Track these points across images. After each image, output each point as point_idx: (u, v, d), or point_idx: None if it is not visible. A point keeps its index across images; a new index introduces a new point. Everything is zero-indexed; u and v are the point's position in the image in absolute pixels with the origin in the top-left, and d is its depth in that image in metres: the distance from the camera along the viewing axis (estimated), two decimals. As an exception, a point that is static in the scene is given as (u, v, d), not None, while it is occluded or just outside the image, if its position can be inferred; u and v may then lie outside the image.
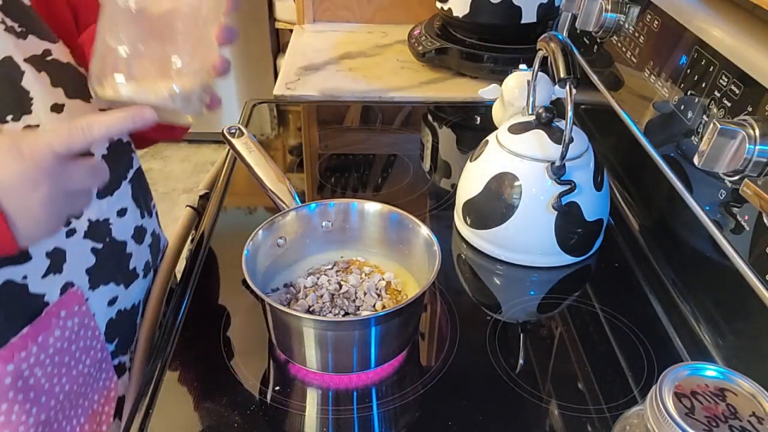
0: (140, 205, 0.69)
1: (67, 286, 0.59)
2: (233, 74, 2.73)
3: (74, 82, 0.59)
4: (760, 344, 0.61)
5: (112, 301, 0.65)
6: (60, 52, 0.59)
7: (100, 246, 0.62)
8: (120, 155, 0.65)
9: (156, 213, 0.75)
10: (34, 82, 0.55)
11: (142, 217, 0.69)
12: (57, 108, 0.56)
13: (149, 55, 0.50)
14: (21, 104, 0.54)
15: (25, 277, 0.55)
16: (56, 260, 0.57)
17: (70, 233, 0.59)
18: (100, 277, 0.63)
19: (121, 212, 0.65)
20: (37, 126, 0.54)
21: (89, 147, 0.48)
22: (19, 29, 0.56)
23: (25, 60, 0.55)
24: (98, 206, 0.62)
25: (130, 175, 0.67)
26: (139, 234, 0.68)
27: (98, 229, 0.62)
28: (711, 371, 0.41)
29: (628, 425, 0.44)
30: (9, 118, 0.53)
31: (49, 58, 0.57)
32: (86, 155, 0.49)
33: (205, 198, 0.94)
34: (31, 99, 0.55)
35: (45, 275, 0.56)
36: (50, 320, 0.57)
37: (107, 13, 0.50)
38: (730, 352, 0.65)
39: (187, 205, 0.94)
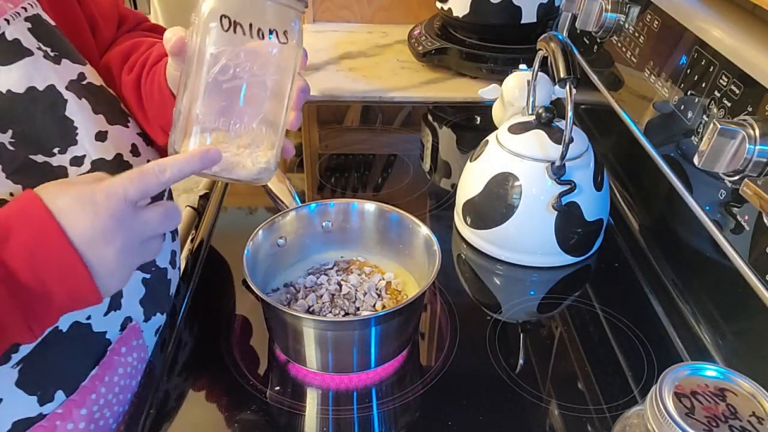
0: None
1: (126, 322, 0.58)
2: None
3: (111, 107, 0.57)
4: (760, 344, 0.61)
5: (158, 330, 0.65)
6: (92, 75, 0.57)
7: (148, 276, 0.61)
8: None
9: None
10: (77, 110, 0.53)
11: (173, 240, 0.68)
12: (101, 136, 0.55)
13: (235, 128, 0.49)
14: (66, 135, 0.52)
15: (88, 317, 0.54)
16: (116, 296, 0.57)
17: None
18: (151, 308, 0.62)
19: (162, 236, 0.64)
20: (83, 156, 0.53)
21: (163, 190, 0.47)
22: (52, 54, 0.53)
23: (66, 87, 0.53)
24: None
25: (166, 197, 0.65)
26: (173, 258, 0.67)
27: None
28: (711, 371, 0.41)
29: (628, 425, 0.44)
30: (56, 150, 0.51)
31: (84, 82, 0.55)
32: (157, 198, 0.47)
33: (205, 198, 0.94)
34: (76, 128, 0.53)
35: (107, 313, 0.56)
36: (113, 358, 0.57)
37: (191, 84, 0.48)
38: (730, 352, 0.65)
39: (187, 205, 0.94)
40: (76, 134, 0.53)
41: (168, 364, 0.64)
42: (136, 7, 2.60)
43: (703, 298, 0.70)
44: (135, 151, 0.58)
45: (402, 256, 0.72)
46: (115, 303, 0.57)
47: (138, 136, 0.59)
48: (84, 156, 0.53)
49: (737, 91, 0.61)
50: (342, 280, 0.68)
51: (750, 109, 0.58)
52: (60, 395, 0.53)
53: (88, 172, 0.52)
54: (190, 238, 0.90)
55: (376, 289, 0.67)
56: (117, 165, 0.55)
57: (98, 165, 0.53)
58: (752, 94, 0.59)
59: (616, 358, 0.66)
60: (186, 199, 0.93)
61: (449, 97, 1.19)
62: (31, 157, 0.50)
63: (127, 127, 0.58)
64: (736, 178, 0.56)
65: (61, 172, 0.51)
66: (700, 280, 0.72)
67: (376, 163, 1.02)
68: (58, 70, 0.53)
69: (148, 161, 0.58)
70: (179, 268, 0.71)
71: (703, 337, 0.68)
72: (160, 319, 0.65)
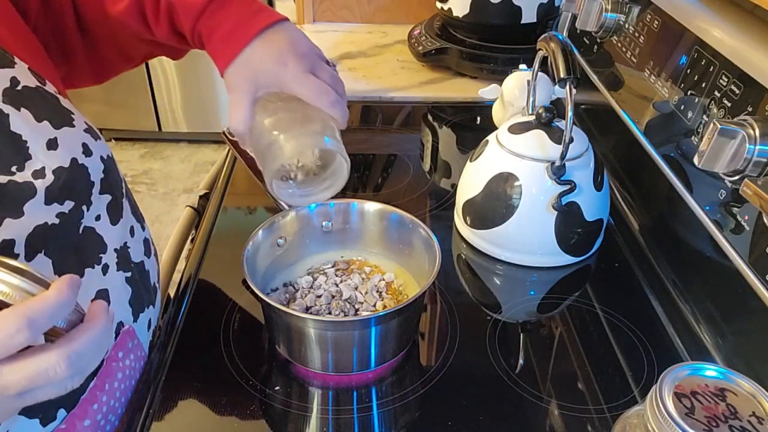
0: (138, 217, 0.66)
1: (119, 327, 0.58)
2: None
3: (52, 109, 0.54)
4: (760, 344, 0.61)
5: (149, 325, 0.65)
6: (24, 75, 0.53)
7: (129, 274, 0.60)
8: (114, 176, 0.60)
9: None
10: (21, 123, 0.50)
11: (143, 229, 0.67)
12: (52, 144, 0.52)
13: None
14: (19, 151, 0.50)
15: None
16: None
17: (105, 269, 0.57)
18: (138, 305, 0.62)
19: (132, 231, 0.63)
20: (43, 168, 0.50)
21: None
22: None
23: (2, 100, 0.50)
24: (115, 233, 0.59)
25: (124, 190, 0.63)
26: (147, 248, 0.66)
27: (124, 257, 0.60)
28: (711, 371, 0.41)
29: (628, 425, 0.44)
30: (14, 168, 0.49)
31: (19, 87, 0.52)
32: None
33: (205, 198, 0.94)
34: (26, 142, 0.50)
35: None
36: (111, 365, 0.57)
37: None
38: (730, 352, 0.65)
39: (187, 205, 0.94)
40: (28, 148, 0.50)
41: (168, 365, 0.64)
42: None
43: (703, 298, 0.70)
44: (86, 150, 0.55)
45: (402, 256, 0.72)
46: None
47: (85, 134, 0.57)
48: (43, 168, 0.50)
49: (737, 91, 0.61)
50: (342, 280, 0.68)
51: (750, 109, 0.58)
52: (61, 413, 0.53)
53: (53, 182, 0.50)
54: (190, 238, 0.90)
55: (377, 290, 0.67)
56: (74, 170, 0.53)
57: (59, 173, 0.51)
58: (752, 94, 0.59)
59: (616, 358, 0.66)
60: (186, 199, 0.93)
61: (449, 97, 1.19)
62: None
63: (73, 126, 0.55)
64: (736, 178, 0.56)
65: (29, 188, 0.49)
66: (700, 280, 0.72)
67: (376, 163, 1.02)
68: None
69: (101, 158, 0.57)
70: (155, 255, 0.70)
71: (703, 337, 0.68)
72: (148, 313, 0.64)
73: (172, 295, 0.74)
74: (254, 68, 0.60)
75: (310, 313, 0.64)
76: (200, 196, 0.95)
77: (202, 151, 2.93)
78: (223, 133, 0.86)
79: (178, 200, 2.59)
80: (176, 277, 0.78)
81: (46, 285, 0.39)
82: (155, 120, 2.85)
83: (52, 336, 0.40)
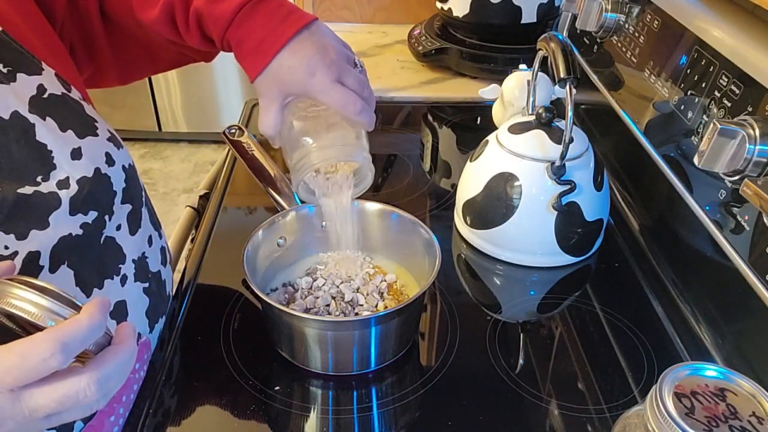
0: (156, 225, 0.66)
1: (137, 338, 0.58)
2: (233, 74, 2.73)
3: (76, 118, 0.54)
4: (760, 344, 0.61)
5: (160, 334, 0.65)
6: (50, 82, 0.53)
7: (147, 285, 0.60)
8: (135, 184, 0.60)
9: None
10: (46, 133, 0.50)
11: (160, 237, 0.67)
12: (76, 154, 0.52)
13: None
14: (44, 161, 0.50)
15: None
16: (120, 317, 0.56)
17: (124, 280, 0.57)
18: (154, 316, 0.62)
19: (150, 240, 0.63)
20: (67, 178, 0.50)
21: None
22: (5, 70, 0.50)
23: (29, 110, 0.50)
24: (134, 243, 0.59)
25: (144, 199, 0.63)
26: (164, 256, 0.66)
27: (142, 267, 0.60)
28: (711, 371, 0.41)
29: (628, 425, 0.44)
30: (39, 178, 0.49)
31: (45, 95, 0.52)
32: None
33: (205, 198, 0.94)
34: (51, 152, 0.50)
35: None
36: (129, 378, 0.56)
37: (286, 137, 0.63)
38: (730, 352, 0.65)
39: (187, 205, 0.94)
40: (53, 158, 0.51)
41: (168, 364, 0.64)
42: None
43: (703, 298, 0.70)
44: (109, 159, 0.55)
45: (402, 256, 0.72)
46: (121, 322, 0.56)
47: (108, 142, 0.57)
48: (67, 178, 0.51)
49: (737, 91, 0.61)
50: (344, 280, 0.68)
51: (750, 109, 0.58)
52: (78, 425, 0.53)
53: (77, 193, 0.51)
54: (190, 238, 0.90)
55: (378, 290, 0.67)
56: (97, 179, 0.53)
57: (83, 183, 0.51)
58: (752, 94, 0.59)
59: (616, 358, 0.66)
60: (186, 199, 0.93)
61: (449, 97, 1.19)
62: (20, 191, 0.48)
63: (97, 135, 0.55)
64: (736, 178, 0.56)
65: (54, 199, 0.49)
66: (700, 280, 0.72)
67: (376, 163, 1.02)
68: (15, 89, 0.50)
69: (123, 167, 0.57)
70: (170, 263, 0.70)
71: (703, 337, 0.68)
72: (161, 323, 0.65)
73: (172, 295, 0.74)
74: (282, 79, 0.60)
75: (311, 313, 0.64)
76: (200, 196, 0.95)
77: (202, 151, 2.93)
78: (223, 133, 0.86)
79: (178, 200, 2.59)
80: (176, 277, 0.78)
81: (72, 305, 0.39)
82: (155, 120, 2.85)
83: (80, 358, 0.40)
